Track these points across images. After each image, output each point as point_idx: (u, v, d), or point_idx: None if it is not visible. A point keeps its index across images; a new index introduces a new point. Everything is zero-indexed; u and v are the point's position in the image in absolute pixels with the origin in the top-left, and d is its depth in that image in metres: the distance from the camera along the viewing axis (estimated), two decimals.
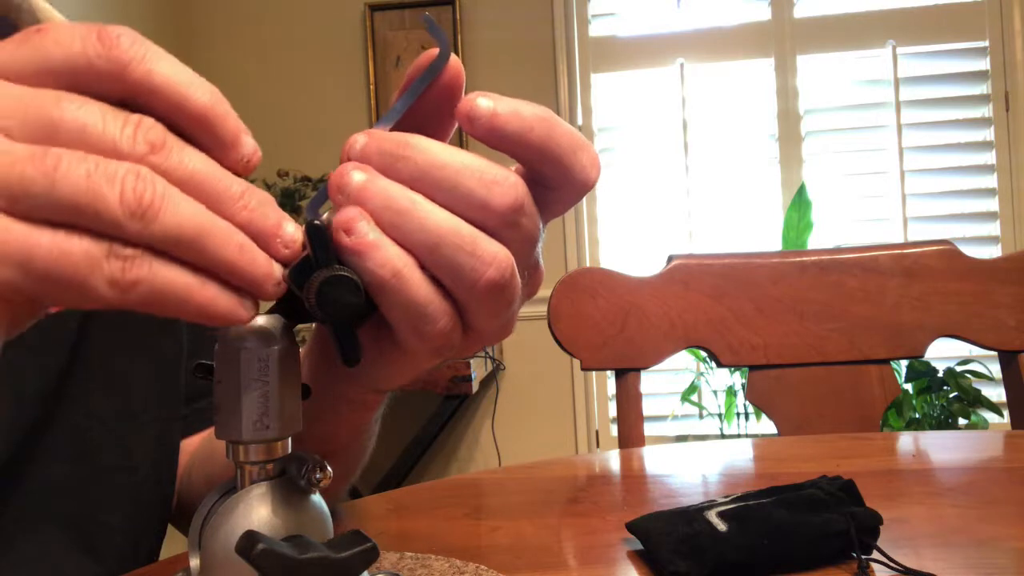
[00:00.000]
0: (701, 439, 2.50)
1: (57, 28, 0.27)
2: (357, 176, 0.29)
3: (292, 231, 0.29)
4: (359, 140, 0.30)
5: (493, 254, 0.30)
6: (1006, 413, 1.04)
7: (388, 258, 0.29)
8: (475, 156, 0.30)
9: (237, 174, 0.29)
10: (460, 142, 0.31)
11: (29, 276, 0.25)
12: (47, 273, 0.25)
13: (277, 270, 0.29)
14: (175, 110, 0.27)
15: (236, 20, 2.80)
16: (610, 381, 2.58)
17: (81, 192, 0.25)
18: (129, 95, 0.27)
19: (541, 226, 0.33)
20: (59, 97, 0.26)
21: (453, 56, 0.32)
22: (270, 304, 0.31)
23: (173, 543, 0.62)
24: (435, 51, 0.32)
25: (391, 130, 0.32)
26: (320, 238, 0.29)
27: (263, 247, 0.28)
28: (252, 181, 0.29)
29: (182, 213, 0.26)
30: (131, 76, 0.27)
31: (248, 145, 0.29)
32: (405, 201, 0.29)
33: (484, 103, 0.30)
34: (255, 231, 0.28)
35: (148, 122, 0.27)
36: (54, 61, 0.26)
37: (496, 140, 0.30)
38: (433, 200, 0.30)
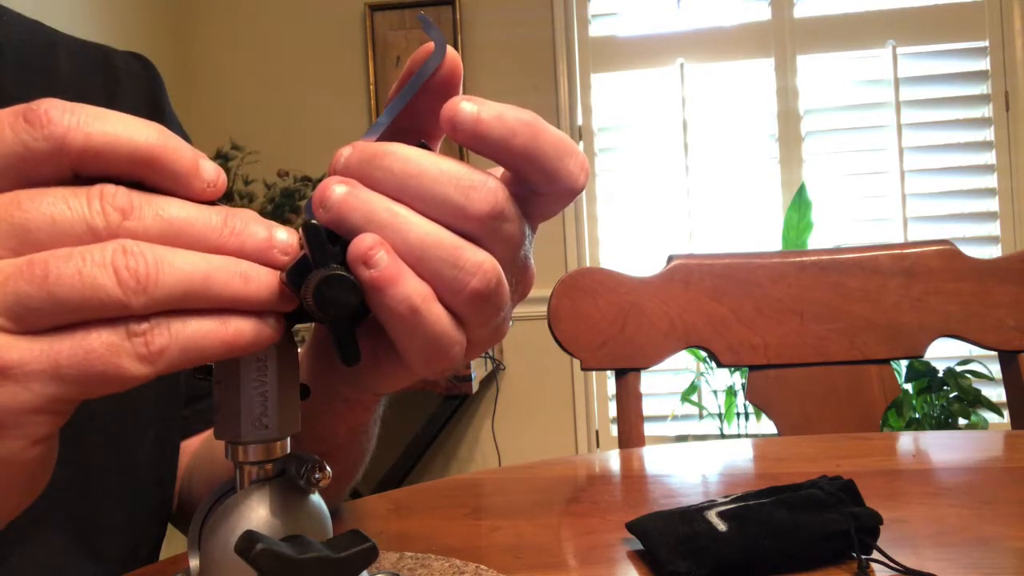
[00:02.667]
0: (701, 439, 2.50)
1: None
2: (338, 189, 0.29)
3: (285, 237, 0.29)
4: (344, 152, 0.30)
5: (477, 263, 0.30)
6: (1006, 413, 1.04)
7: (407, 294, 0.29)
8: (454, 162, 0.30)
9: (207, 202, 0.28)
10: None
11: (64, 385, 0.25)
12: (79, 376, 0.25)
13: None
14: (126, 163, 0.27)
15: (236, 20, 2.80)
16: (610, 381, 2.58)
17: (79, 289, 0.25)
18: (77, 165, 0.26)
19: (527, 229, 0.32)
20: (17, 199, 0.25)
21: (450, 49, 0.32)
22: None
23: (173, 543, 0.62)
24: (431, 45, 0.32)
25: (386, 131, 0.32)
26: (317, 238, 0.29)
27: (262, 262, 0.28)
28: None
29: (179, 270, 0.26)
30: (72, 147, 0.26)
31: (208, 170, 0.28)
32: (385, 214, 0.29)
33: (468, 108, 0.29)
34: (250, 252, 0.28)
35: (109, 189, 0.26)
36: None
37: (480, 146, 0.30)
38: (415, 209, 0.29)
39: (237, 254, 0.28)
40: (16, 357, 0.25)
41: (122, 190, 0.26)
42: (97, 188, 0.26)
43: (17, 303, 0.24)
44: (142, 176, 0.27)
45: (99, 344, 0.25)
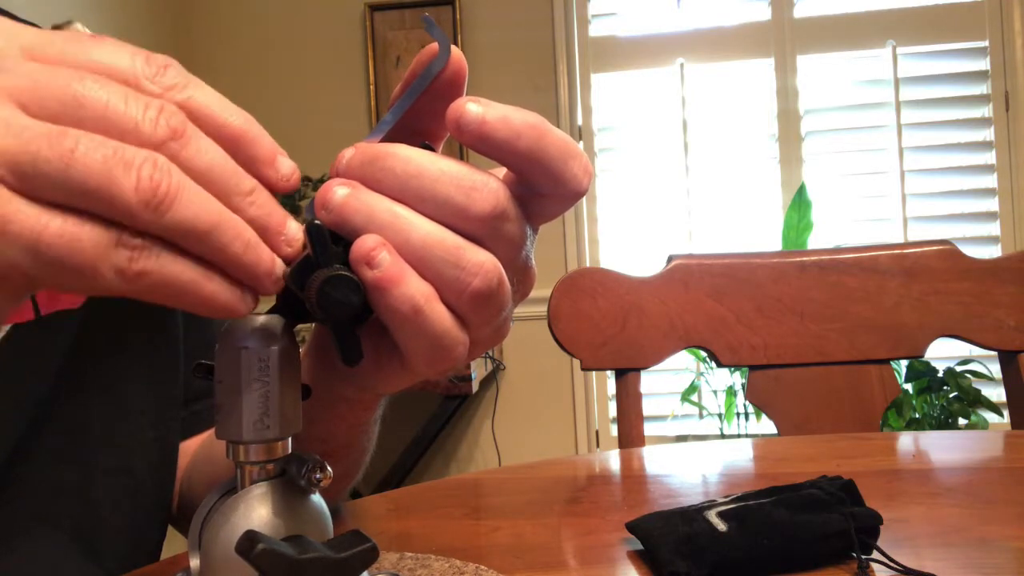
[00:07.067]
0: (701, 439, 2.50)
1: (112, 41, 0.27)
2: (340, 191, 0.29)
3: (295, 229, 0.29)
4: (346, 154, 0.30)
5: (479, 264, 0.30)
6: (1006, 413, 1.04)
7: (410, 294, 0.29)
8: (456, 162, 0.30)
9: (277, 192, 0.29)
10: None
11: (35, 259, 0.24)
12: (54, 258, 0.24)
13: (279, 267, 0.29)
14: (212, 133, 0.27)
15: (236, 20, 2.80)
16: (610, 381, 2.58)
17: (96, 176, 0.24)
18: None
19: (528, 230, 0.33)
20: (83, 75, 0.26)
21: (455, 49, 0.32)
22: (270, 303, 0.31)
23: (173, 543, 0.62)
24: (436, 46, 0.32)
25: (389, 134, 0.32)
26: (320, 238, 0.29)
27: (267, 243, 0.28)
28: None
29: (195, 206, 0.26)
30: (170, 100, 0.27)
31: (286, 165, 0.29)
32: (387, 215, 0.29)
33: (473, 109, 0.29)
34: (261, 227, 0.28)
35: (171, 108, 0.26)
36: (99, 65, 0.26)
37: (485, 147, 0.30)
38: (417, 210, 0.29)
39: (249, 223, 0.28)
40: (2, 211, 0.24)
41: (181, 114, 0.27)
42: (159, 101, 0.26)
43: (31, 163, 0.24)
44: (226, 150, 0.28)
45: (87, 237, 0.25)
